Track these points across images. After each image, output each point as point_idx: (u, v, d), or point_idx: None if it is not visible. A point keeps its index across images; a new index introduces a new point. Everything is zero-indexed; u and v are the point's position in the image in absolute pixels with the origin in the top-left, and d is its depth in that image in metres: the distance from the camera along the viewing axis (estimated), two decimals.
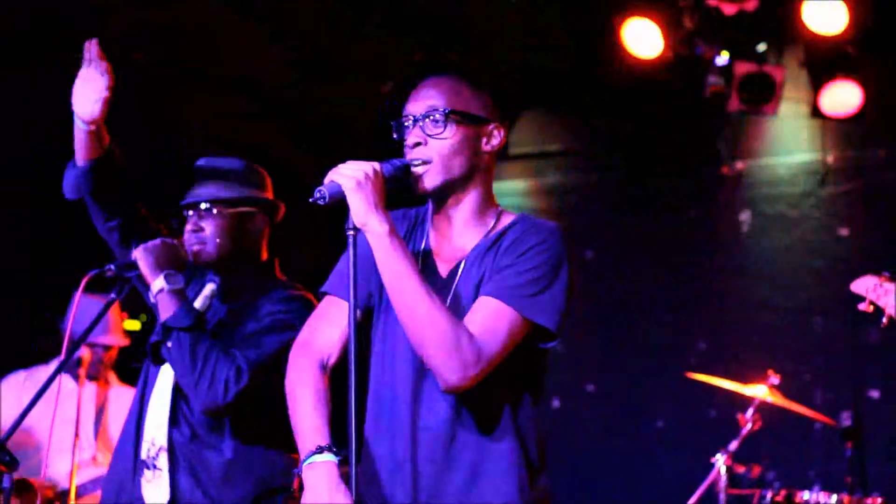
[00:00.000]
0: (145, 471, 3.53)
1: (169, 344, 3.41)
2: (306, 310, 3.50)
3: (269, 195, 3.73)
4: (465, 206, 2.66)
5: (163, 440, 3.51)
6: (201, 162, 3.71)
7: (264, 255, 3.72)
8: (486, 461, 2.54)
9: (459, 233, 2.67)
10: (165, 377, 3.58)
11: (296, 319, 3.47)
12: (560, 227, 2.63)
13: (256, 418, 3.52)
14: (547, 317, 2.53)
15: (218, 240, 3.60)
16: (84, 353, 5.21)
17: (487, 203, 2.69)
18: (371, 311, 2.70)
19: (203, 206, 3.60)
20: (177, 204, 3.68)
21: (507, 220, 2.68)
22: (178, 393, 3.53)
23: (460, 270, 2.62)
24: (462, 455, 2.54)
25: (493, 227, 2.66)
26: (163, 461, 3.50)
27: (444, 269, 2.65)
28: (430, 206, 2.71)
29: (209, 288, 3.65)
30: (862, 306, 4.47)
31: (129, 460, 3.56)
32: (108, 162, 3.58)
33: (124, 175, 3.65)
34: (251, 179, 3.70)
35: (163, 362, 3.51)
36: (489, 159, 2.70)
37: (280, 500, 3.57)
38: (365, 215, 2.46)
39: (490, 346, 2.47)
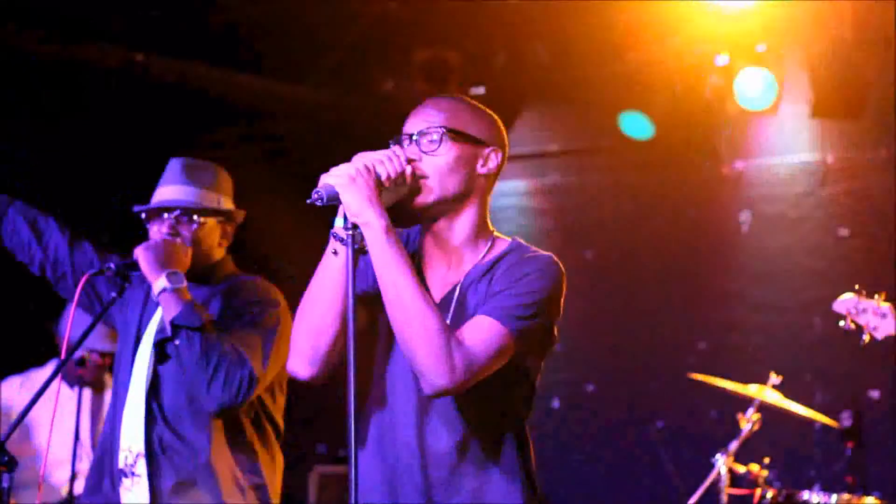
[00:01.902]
0: (123, 479, 3.51)
1: (177, 342, 3.40)
2: (276, 297, 3.61)
3: (232, 202, 3.75)
4: (458, 229, 2.62)
5: (140, 446, 3.49)
6: (177, 163, 3.70)
7: (223, 254, 3.74)
8: (489, 482, 2.54)
9: (452, 257, 2.63)
10: (137, 381, 3.56)
11: (273, 309, 3.58)
12: (555, 258, 2.61)
13: (238, 415, 3.53)
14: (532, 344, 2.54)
15: (194, 248, 3.60)
16: (85, 354, 5.20)
17: (481, 228, 2.65)
18: (374, 333, 2.65)
19: (183, 211, 3.60)
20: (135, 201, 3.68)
21: (501, 246, 2.64)
22: (152, 394, 3.52)
23: (455, 296, 2.59)
24: (464, 478, 2.53)
25: (487, 254, 2.63)
26: (141, 467, 3.48)
27: (437, 294, 2.61)
28: (421, 229, 2.67)
29: None
30: (843, 325, 4.55)
31: (106, 472, 3.54)
32: None
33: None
34: (224, 187, 3.72)
35: (167, 360, 3.51)
36: (485, 182, 2.66)
37: (262, 495, 3.57)
38: (361, 210, 2.44)
39: (479, 357, 2.45)
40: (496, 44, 6.66)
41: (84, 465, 5.24)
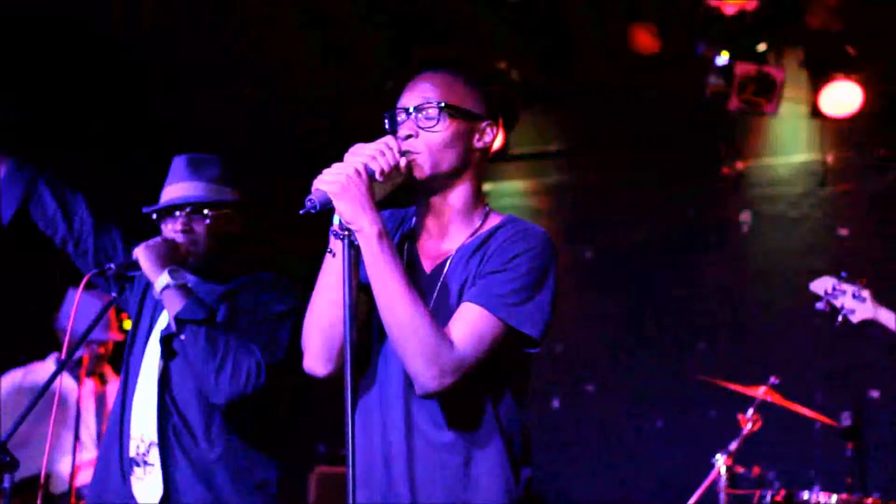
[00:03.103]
0: (135, 468, 3.51)
1: (182, 337, 3.40)
2: (292, 292, 3.57)
3: (240, 193, 3.75)
4: (452, 202, 2.64)
5: (153, 435, 3.49)
6: (182, 160, 3.70)
7: (237, 247, 3.74)
8: (474, 462, 2.55)
9: (446, 230, 2.65)
10: (148, 372, 3.56)
11: (287, 305, 3.54)
12: (548, 232, 2.61)
13: (250, 409, 3.53)
14: (532, 326, 2.52)
15: (208, 242, 3.60)
16: (83, 353, 5.21)
17: (476, 201, 2.67)
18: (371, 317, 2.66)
19: (193, 207, 3.60)
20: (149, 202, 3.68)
21: (494, 220, 2.66)
22: (164, 386, 3.52)
23: (446, 268, 2.61)
24: (451, 456, 2.55)
25: (481, 227, 2.64)
26: (154, 456, 3.48)
27: (428, 265, 2.64)
28: (418, 202, 2.69)
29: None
30: (819, 305, 4.63)
31: (116, 461, 3.54)
32: (12, 176, 3.62)
33: (37, 188, 3.69)
34: (233, 179, 3.71)
35: (174, 356, 3.51)
36: (480, 156, 2.68)
37: (271, 489, 3.57)
38: (354, 217, 2.45)
39: (470, 355, 2.47)
40: (496, 44, 6.66)
41: (85, 457, 5.25)
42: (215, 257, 3.63)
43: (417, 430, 2.55)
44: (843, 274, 4.64)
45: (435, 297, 2.59)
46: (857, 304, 4.58)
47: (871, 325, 4.63)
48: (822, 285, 4.66)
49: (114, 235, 3.78)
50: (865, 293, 4.58)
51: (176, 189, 3.64)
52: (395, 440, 2.57)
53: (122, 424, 3.56)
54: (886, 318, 4.61)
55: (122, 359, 3.71)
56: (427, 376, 2.45)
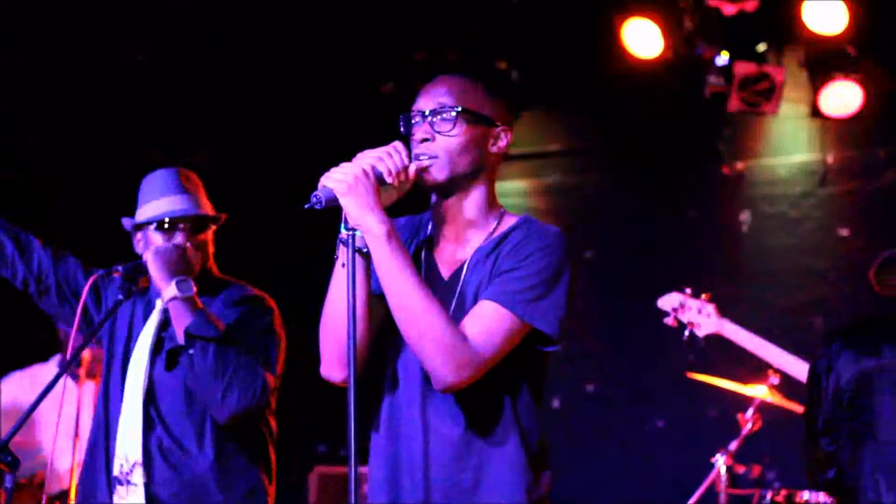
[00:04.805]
0: (118, 487, 3.48)
1: (191, 352, 3.38)
2: (269, 306, 3.59)
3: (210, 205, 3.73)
4: (468, 206, 2.64)
5: (137, 455, 3.46)
6: (168, 173, 3.65)
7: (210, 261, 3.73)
8: (492, 462, 2.55)
9: (462, 234, 2.65)
10: (132, 389, 3.52)
11: (268, 319, 3.57)
12: (563, 231, 2.61)
13: (238, 423, 3.52)
14: (546, 322, 2.53)
15: (200, 257, 3.58)
16: (84, 353, 5.21)
17: (491, 204, 2.67)
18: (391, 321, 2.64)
19: (171, 221, 3.57)
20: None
21: (510, 221, 2.66)
22: (149, 403, 3.50)
23: (463, 273, 2.61)
24: (469, 456, 2.55)
25: (496, 229, 2.65)
26: (137, 476, 3.45)
27: (446, 272, 2.64)
28: (433, 207, 2.69)
29: (160, 303, 3.58)
30: (667, 321, 4.74)
31: (101, 478, 3.51)
32: None
33: None
34: (203, 193, 3.69)
35: (175, 366, 3.49)
36: (494, 161, 2.69)
37: (263, 495, 3.56)
38: (360, 217, 2.44)
39: (485, 349, 2.47)
40: (496, 44, 6.66)
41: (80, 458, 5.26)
42: (201, 272, 3.61)
43: (437, 432, 2.55)
44: (687, 290, 4.75)
45: (454, 302, 2.59)
46: (703, 319, 4.72)
47: (717, 338, 4.73)
48: (668, 302, 4.81)
49: (71, 265, 3.71)
50: (710, 308, 4.72)
51: (167, 203, 3.59)
52: (415, 442, 2.57)
53: (108, 441, 3.52)
54: (730, 331, 4.73)
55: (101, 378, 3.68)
56: (444, 371, 2.45)
